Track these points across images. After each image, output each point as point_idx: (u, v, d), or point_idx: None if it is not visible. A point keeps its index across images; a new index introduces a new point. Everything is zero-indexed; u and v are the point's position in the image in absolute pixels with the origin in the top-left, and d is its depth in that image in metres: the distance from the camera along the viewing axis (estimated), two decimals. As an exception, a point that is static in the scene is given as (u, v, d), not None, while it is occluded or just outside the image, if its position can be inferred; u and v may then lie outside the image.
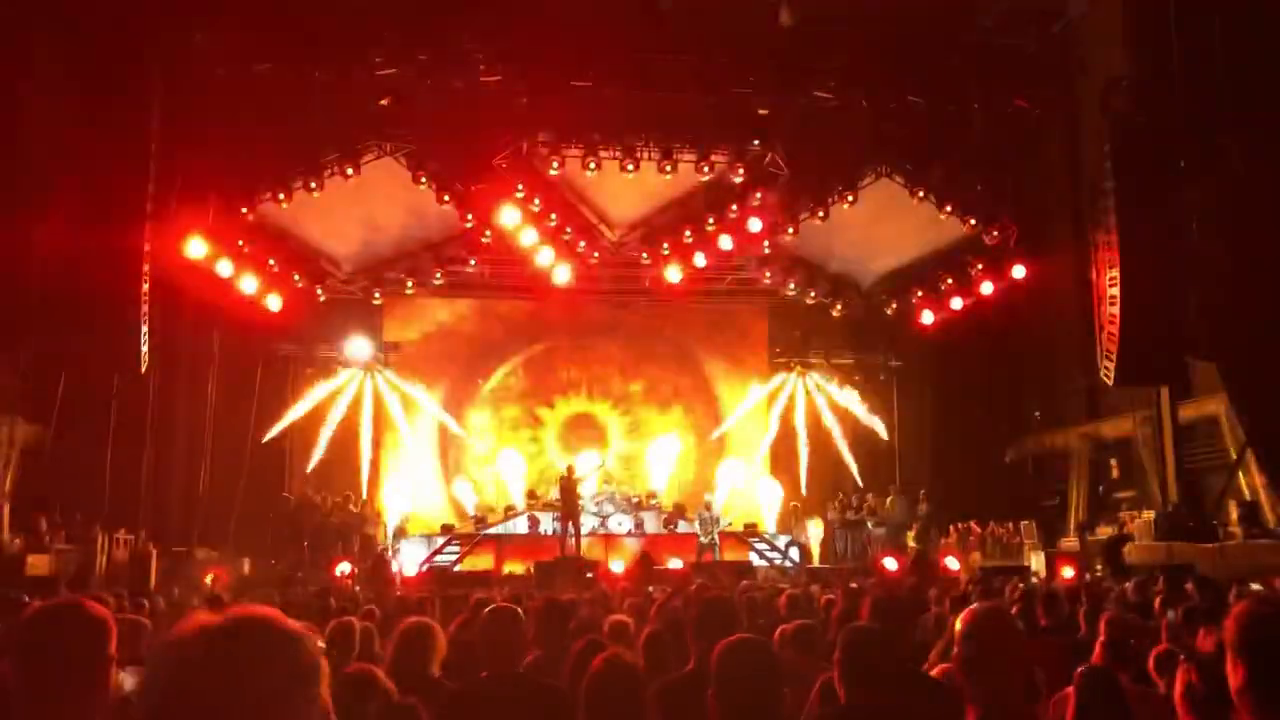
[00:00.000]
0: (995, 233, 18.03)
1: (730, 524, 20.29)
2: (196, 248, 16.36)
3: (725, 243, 19.34)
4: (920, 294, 20.97)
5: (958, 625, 2.92)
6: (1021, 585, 10.52)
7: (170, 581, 14.09)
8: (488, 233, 19.16)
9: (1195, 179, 14.77)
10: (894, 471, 21.73)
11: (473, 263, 21.03)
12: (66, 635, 2.36)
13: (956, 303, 20.25)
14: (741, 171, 17.85)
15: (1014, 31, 15.79)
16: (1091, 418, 19.06)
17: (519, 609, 4.46)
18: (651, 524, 20.47)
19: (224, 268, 17.37)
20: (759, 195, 18.53)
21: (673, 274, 20.41)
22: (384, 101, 15.43)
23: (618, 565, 16.87)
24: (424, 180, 17.39)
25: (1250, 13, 13.41)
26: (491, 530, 20.34)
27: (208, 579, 14.52)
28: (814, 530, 20.83)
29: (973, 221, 17.99)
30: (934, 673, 4.27)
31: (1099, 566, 14.55)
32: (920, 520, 19.65)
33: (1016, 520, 18.18)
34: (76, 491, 15.20)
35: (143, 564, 14.52)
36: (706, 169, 17.57)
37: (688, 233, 19.63)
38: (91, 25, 13.94)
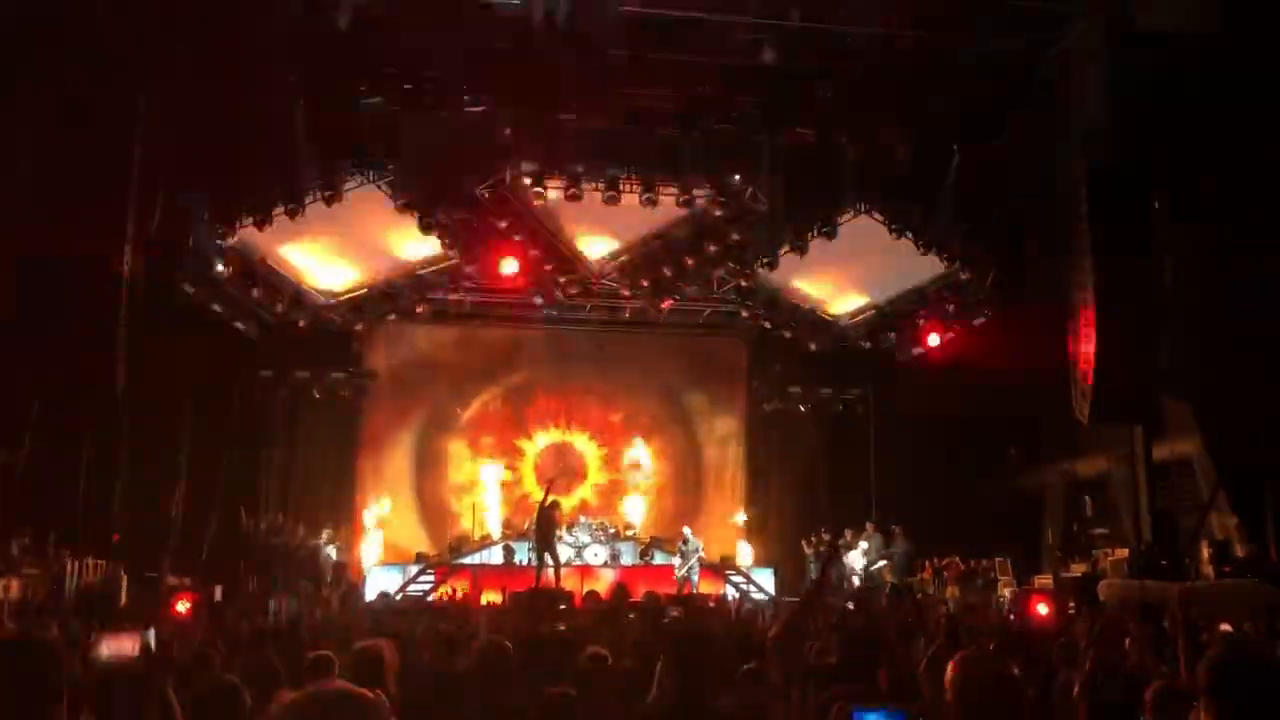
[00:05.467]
0: (973, 271, 18.19)
1: (705, 556, 20.23)
2: (176, 271, 16.26)
3: (704, 276, 19.41)
4: (898, 330, 21.10)
5: (949, 670, 2.85)
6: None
7: (139, 607, 13.89)
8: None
9: (1170, 220, 14.96)
10: (870, 506, 21.74)
11: (454, 292, 20.98)
12: (14, 668, 2.34)
13: (934, 339, 20.40)
14: (722, 205, 17.95)
15: (995, 73, 15.95)
16: (1067, 456, 19.15)
17: (508, 642, 4.51)
18: (628, 555, 20.39)
19: (203, 291, 17.28)
20: (739, 229, 18.65)
21: (653, 306, 20.45)
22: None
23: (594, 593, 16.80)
24: (406, 208, 17.37)
25: (1226, 57, 13.62)
26: (466, 560, 20.20)
27: (179, 606, 14.31)
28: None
29: (950, 259, 18.15)
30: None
31: (1072, 604, 14.60)
32: (896, 556, 19.65)
33: (992, 556, 18.21)
34: (49, 515, 15.01)
35: (113, 589, 14.34)
36: (687, 202, 17.64)
37: (667, 266, 19.71)
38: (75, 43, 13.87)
